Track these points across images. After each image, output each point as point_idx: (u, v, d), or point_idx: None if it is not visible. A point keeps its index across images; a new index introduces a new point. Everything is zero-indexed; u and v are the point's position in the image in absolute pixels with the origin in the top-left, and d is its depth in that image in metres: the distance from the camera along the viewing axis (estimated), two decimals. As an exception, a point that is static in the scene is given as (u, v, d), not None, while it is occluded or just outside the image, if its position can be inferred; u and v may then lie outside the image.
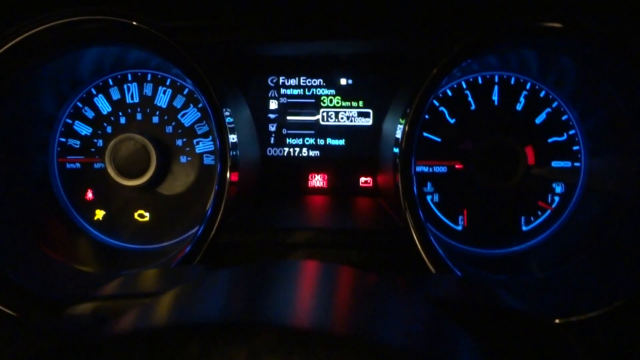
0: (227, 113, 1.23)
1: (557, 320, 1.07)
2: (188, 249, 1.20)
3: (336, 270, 0.85)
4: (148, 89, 1.52)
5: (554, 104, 1.47)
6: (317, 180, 1.56)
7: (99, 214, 1.54)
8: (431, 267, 1.15)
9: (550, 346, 0.80)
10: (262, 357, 0.46)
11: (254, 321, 0.55)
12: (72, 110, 1.53)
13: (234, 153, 1.23)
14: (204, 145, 1.51)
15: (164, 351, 0.51)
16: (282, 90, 1.55)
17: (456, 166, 1.49)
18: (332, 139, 1.55)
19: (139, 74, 1.52)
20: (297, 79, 1.54)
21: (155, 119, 1.52)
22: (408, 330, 0.61)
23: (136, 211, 1.53)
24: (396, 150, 1.20)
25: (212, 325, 0.55)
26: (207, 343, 0.53)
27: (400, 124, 1.21)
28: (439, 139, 1.49)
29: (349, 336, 0.52)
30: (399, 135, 1.20)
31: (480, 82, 1.48)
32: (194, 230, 1.48)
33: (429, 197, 1.50)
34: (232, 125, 1.25)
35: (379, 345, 0.50)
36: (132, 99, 1.52)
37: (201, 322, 0.57)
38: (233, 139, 1.23)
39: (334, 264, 0.87)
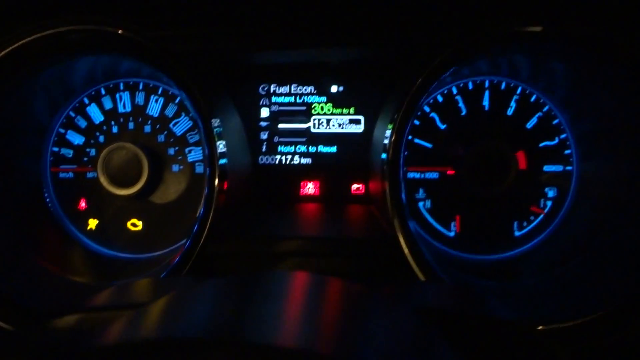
0: (216, 122, 1.23)
1: (540, 327, 1.07)
2: (177, 259, 1.20)
3: (323, 282, 0.85)
4: (140, 98, 1.53)
5: (545, 108, 1.46)
6: (309, 188, 1.56)
7: (92, 223, 1.54)
8: (420, 275, 1.14)
9: (533, 355, 0.80)
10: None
11: (236, 339, 0.55)
12: (64, 120, 1.54)
13: (223, 161, 1.24)
14: (195, 154, 1.51)
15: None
16: (273, 98, 1.55)
17: (448, 172, 1.48)
18: (323, 146, 1.55)
19: (131, 82, 1.53)
20: (288, 86, 1.55)
21: (147, 128, 1.52)
22: (392, 348, 0.60)
23: (129, 220, 1.54)
24: (384, 156, 1.20)
25: (192, 341, 0.55)
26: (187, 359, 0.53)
27: (388, 129, 1.21)
28: (430, 145, 1.48)
29: (334, 356, 0.52)
30: (386, 141, 1.20)
31: (470, 87, 1.48)
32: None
33: (420, 204, 1.50)
34: (221, 134, 1.25)
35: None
36: (124, 108, 1.53)
37: (181, 338, 0.57)
38: (222, 147, 1.24)
39: (320, 276, 0.86)
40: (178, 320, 0.64)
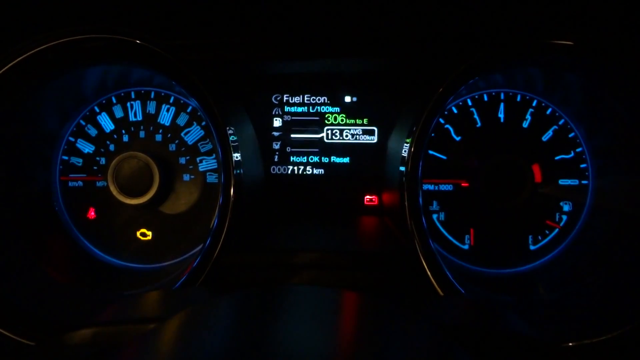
0: (230, 131, 1.22)
1: (564, 344, 1.04)
2: (191, 270, 1.18)
3: (341, 297, 0.83)
4: (151, 107, 1.51)
5: (561, 122, 1.45)
6: (321, 199, 1.54)
7: (101, 232, 1.52)
8: (439, 290, 1.12)
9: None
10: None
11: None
12: (75, 128, 1.53)
13: (238, 171, 1.22)
14: (207, 164, 1.49)
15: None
16: (286, 108, 1.54)
17: (462, 184, 1.47)
18: (336, 156, 1.54)
19: (142, 91, 1.52)
20: (301, 96, 1.53)
21: (159, 137, 1.50)
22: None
23: (139, 230, 1.52)
24: (402, 169, 1.19)
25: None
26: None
27: (407, 142, 1.19)
28: (444, 157, 1.47)
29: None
30: (405, 154, 1.18)
31: (485, 99, 1.47)
32: (196, 250, 1.46)
33: (434, 216, 1.48)
34: (236, 144, 1.23)
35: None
36: (135, 116, 1.52)
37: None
38: (237, 157, 1.22)
39: (338, 290, 0.85)
40: (197, 344, 0.62)
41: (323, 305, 0.81)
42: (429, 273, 1.12)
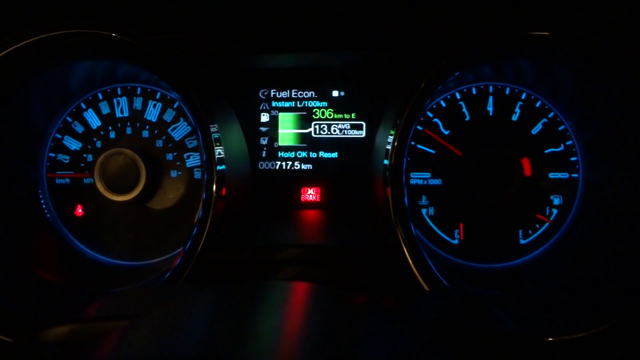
0: (214, 128, 1.21)
1: (549, 339, 1.03)
2: (174, 266, 1.17)
3: (323, 293, 0.83)
4: (138, 103, 1.50)
5: (550, 114, 1.44)
6: (310, 194, 1.53)
7: (89, 230, 1.51)
8: (424, 284, 1.11)
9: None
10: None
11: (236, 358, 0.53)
12: (61, 125, 1.52)
13: (221, 167, 1.21)
14: (194, 160, 1.48)
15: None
16: (274, 103, 1.53)
17: (451, 178, 1.46)
18: (325, 151, 1.53)
19: (129, 87, 1.51)
20: (288, 91, 1.52)
21: (145, 133, 1.50)
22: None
23: (126, 227, 1.51)
24: (386, 162, 1.17)
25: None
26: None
27: (391, 135, 1.18)
28: (433, 151, 1.46)
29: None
30: (389, 147, 1.17)
31: (474, 92, 1.45)
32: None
33: (424, 211, 1.47)
34: (219, 140, 1.22)
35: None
36: (121, 113, 1.51)
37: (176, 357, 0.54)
38: (220, 153, 1.21)
39: (321, 286, 0.84)
40: (173, 337, 0.61)
41: (299, 300, 0.80)
42: (413, 267, 1.11)
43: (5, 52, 1.19)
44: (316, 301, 0.81)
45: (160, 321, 0.71)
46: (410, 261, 1.12)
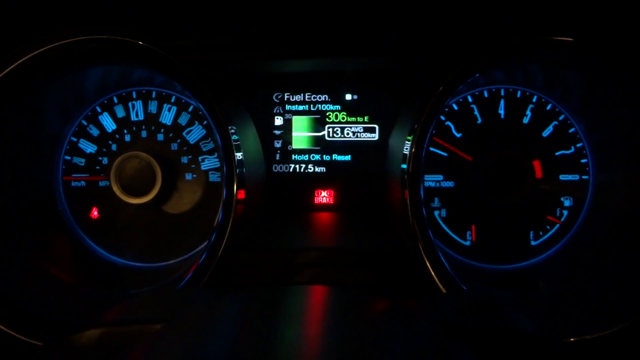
0: (232, 130, 1.23)
1: (565, 340, 1.05)
2: (196, 268, 1.19)
3: (345, 297, 0.84)
4: (153, 107, 1.52)
5: (561, 117, 1.46)
6: (324, 197, 1.55)
7: (105, 232, 1.53)
8: (441, 287, 1.13)
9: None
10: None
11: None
12: (77, 128, 1.53)
13: (240, 171, 1.23)
14: (209, 162, 1.50)
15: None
16: (287, 107, 1.54)
17: (463, 181, 1.47)
18: (338, 154, 1.54)
19: (144, 91, 1.52)
20: (302, 94, 1.54)
21: (160, 137, 1.51)
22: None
23: (141, 229, 1.52)
24: (404, 166, 1.19)
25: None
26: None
27: (408, 140, 1.20)
28: (445, 154, 1.47)
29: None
30: (406, 151, 1.19)
31: (486, 95, 1.47)
32: (199, 249, 1.47)
33: (436, 213, 1.48)
34: (238, 143, 1.24)
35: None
36: (136, 116, 1.52)
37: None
38: (239, 156, 1.23)
39: (342, 290, 0.86)
40: (204, 344, 0.63)
41: (324, 304, 0.82)
42: (431, 270, 1.13)
43: (25, 57, 1.20)
44: (338, 305, 0.83)
45: (189, 327, 0.72)
46: (427, 264, 1.13)
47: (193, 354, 0.61)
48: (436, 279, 1.13)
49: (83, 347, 0.81)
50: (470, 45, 1.17)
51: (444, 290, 1.12)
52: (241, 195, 1.22)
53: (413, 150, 1.15)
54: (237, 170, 1.21)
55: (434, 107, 1.15)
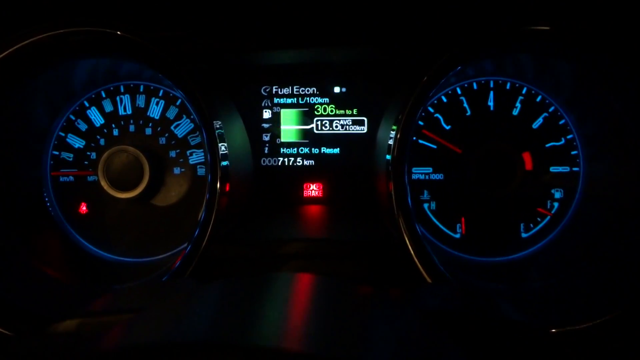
0: (218, 124, 1.22)
1: (553, 330, 1.04)
2: (179, 262, 1.18)
3: (328, 284, 0.83)
4: (141, 101, 1.51)
5: (551, 109, 1.45)
6: (313, 190, 1.54)
7: (93, 227, 1.52)
8: (427, 277, 1.12)
9: (546, 357, 0.78)
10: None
11: (241, 342, 0.53)
12: (64, 123, 1.53)
13: (225, 164, 1.22)
14: (197, 156, 1.49)
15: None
16: (276, 100, 1.53)
17: (453, 173, 1.46)
18: (326, 147, 1.54)
19: (132, 85, 1.52)
20: (290, 87, 1.53)
21: (148, 131, 1.50)
22: (401, 351, 0.59)
23: (130, 224, 1.52)
24: (389, 157, 1.18)
25: (198, 345, 0.53)
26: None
27: (393, 130, 1.19)
28: (434, 146, 1.46)
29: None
30: (391, 142, 1.18)
31: (475, 87, 1.46)
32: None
33: (425, 205, 1.48)
34: (223, 136, 1.23)
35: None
36: (124, 110, 1.51)
37: (184, 342, 0.55)
38: (223, 149, 1.22)
39: (326, 278, 0.85)
40: (181, 324, 0.62)
41: (308, 293, 0.81)
42: (416, 260, 1.12)
43: (9, 50, 1.20)
44: (321, 291, 0.82)
45: (166, 311, 0.72)
46: (412, 254, 1.13)
47: (169, 332, 0.60)
48: (421, 269, 1.12)
49: (59, 337, 0.80)
50: (454, 37, 1.17)
51: (429, 280, 1.12)
52: (226, 189, 1.21)
53: (397, 137, 1.15)
54: (222, 164, 1.20)
55: (418, 97, 1.14)
